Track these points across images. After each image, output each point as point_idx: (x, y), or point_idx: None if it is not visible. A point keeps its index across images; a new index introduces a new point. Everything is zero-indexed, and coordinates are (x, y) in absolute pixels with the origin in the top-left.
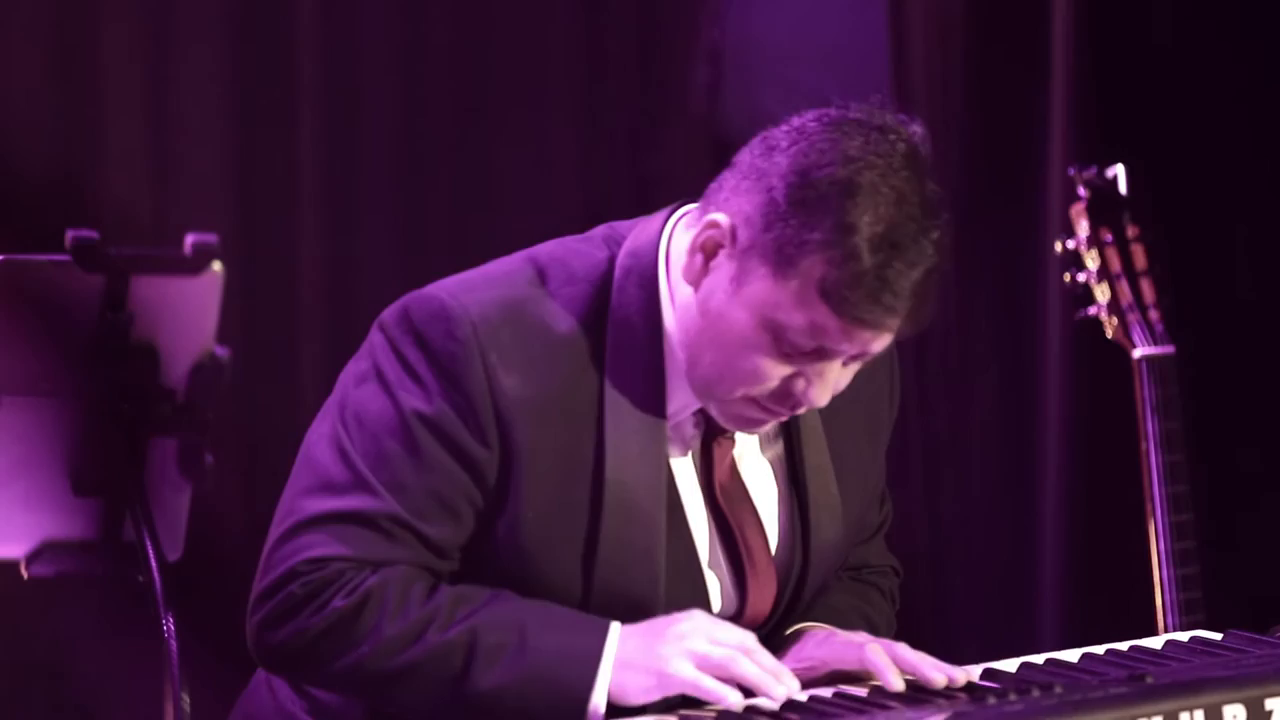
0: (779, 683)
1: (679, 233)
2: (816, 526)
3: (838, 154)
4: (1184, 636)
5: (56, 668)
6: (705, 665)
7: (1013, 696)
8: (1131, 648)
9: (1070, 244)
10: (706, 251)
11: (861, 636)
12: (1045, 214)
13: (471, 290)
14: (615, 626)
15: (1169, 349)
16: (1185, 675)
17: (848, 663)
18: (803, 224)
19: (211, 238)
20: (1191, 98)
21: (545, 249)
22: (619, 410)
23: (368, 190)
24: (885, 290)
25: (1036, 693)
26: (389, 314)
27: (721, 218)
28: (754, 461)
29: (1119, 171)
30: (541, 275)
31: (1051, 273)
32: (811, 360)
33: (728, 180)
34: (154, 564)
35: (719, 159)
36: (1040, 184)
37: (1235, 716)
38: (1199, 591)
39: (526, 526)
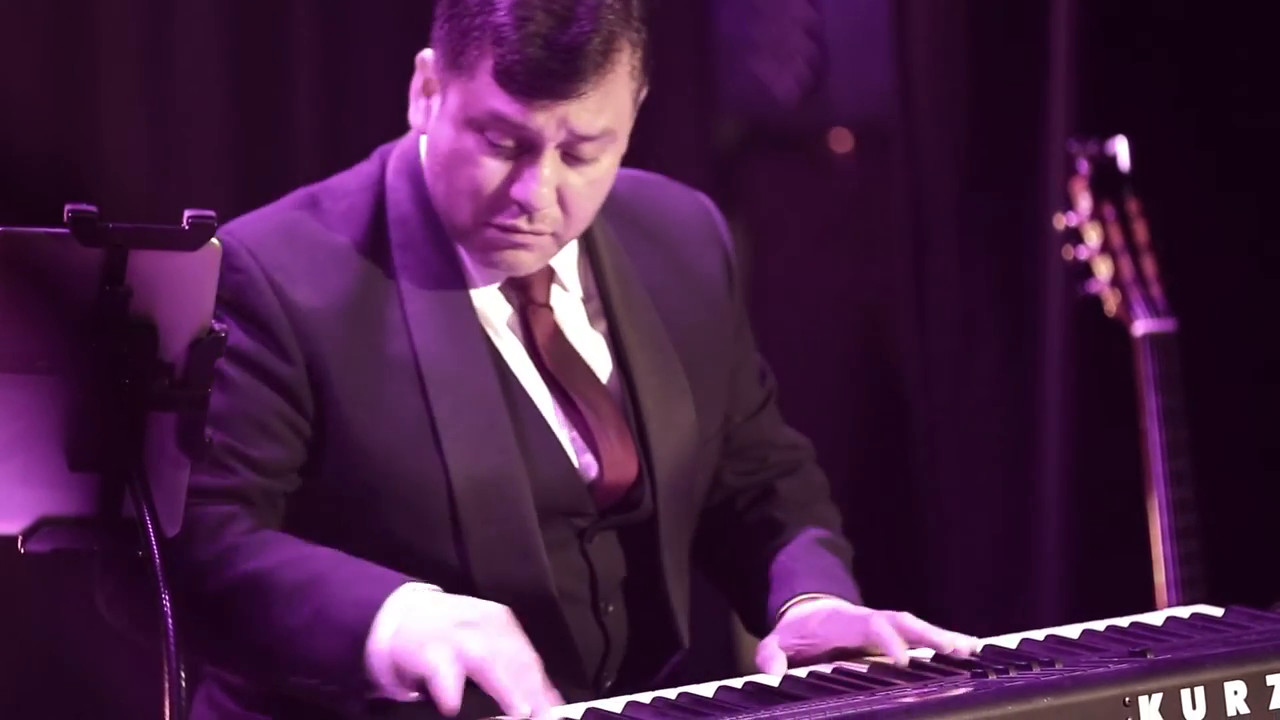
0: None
1: None
2: (644, 391)
3: None
4: (1185, 612)
5: (53, 643)
6: (460, 660)
7: (1013, 672)
8: (1132, 624)
9: (1071, 219)
10: (426, 92)
11: (865, 612)
12: (1045, 189)
13: (245, 224)
14: (409, 586)
15: (1170, 324)
16: (1186, 651)
17: (852, 639)
18: (461, 17)
19: (209, 213)
20: (1196, 69)
21: (322, 182)
22: (419, 301)
23: None
24: (545, 57)
25: (1037, 669)
26: None
27: (426, 53)
28: (584, 333)
29: (1120, 145)
30: (314, 198)
31: (1052, 248)
32: (521, 155)
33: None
34: (152, 539)
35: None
36: (1040, 158)
37: (1236, 693)
38: (1200, 567)
39: (364, 433)
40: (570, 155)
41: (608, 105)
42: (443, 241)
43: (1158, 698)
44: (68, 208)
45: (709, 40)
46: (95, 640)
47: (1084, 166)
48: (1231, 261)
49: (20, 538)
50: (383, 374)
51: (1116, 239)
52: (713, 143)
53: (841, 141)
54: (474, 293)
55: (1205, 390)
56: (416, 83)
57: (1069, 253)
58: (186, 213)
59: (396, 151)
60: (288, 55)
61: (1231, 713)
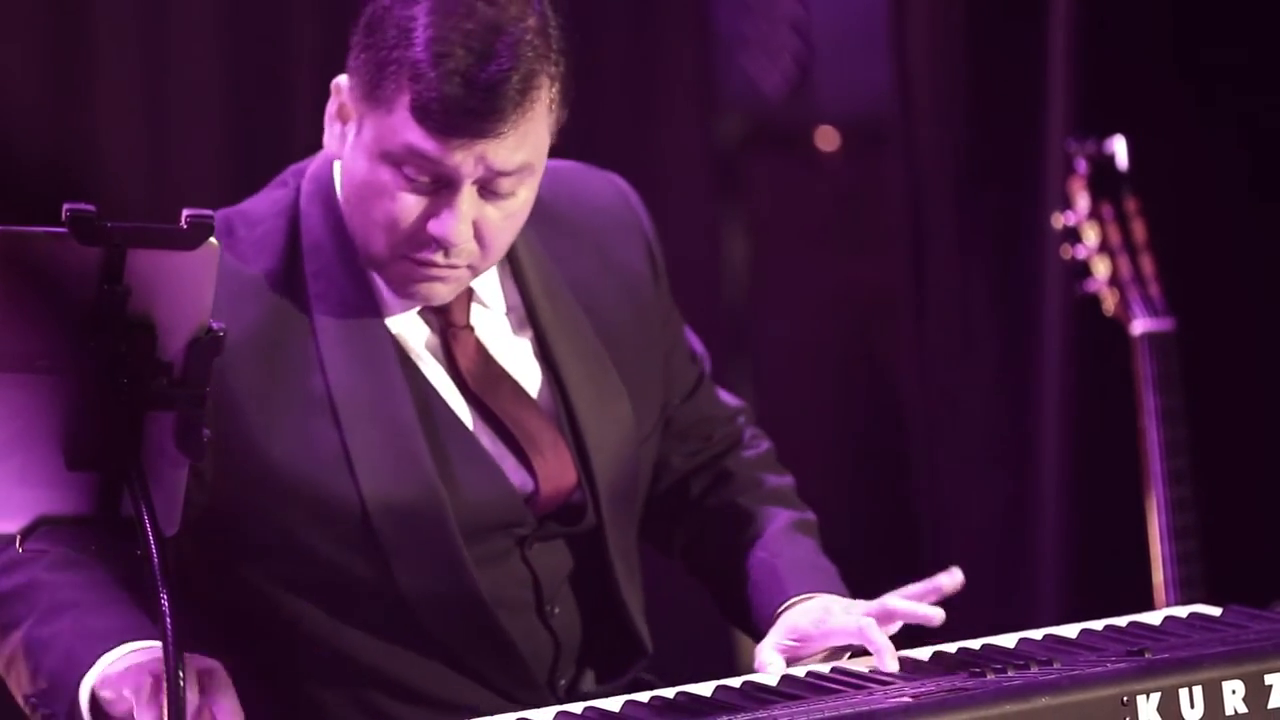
0: None
1: None
2: (577, 397)
3: None
4: (1183, 612)
5: None
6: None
7: (1011, 672)
8: (1130, 623)
9: (1069, 218)
10: (342, 118)
11: (856, 613)
12: (1044, 187)
13: None
14: (144, 642)
15: (1169, 324)
16: (1184, 651)
17: (846, 640)
18: (379, 48)
19: (207, 212)
20: (1194, 68)
21: (234, 206)
22: (333, 332)
23: None
24: (464, 95)
25: (1035, 668)
26: None
27: (342, 79)
28: (509, 347)
29: (1119, 144)
30: (229, 225)
31: (1050, 247)
32: (438, 191)
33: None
34: (151, 539)
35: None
36: (1038, 157)
37: (1234, 692)
38: (1198, 567)
39: (279, 466)
40: (487, 190)
41: (526, 142)
42: (357, 269)
43: (1156, 697)
44: (66, 207)
45: (709, 39)
46: None
47: (1082, 165)
48: (1230, 261)
49: (19, 537)
50: (296, 407)
51: (1115, 238)
52: (713, 141)
53: (838, 140)
54: (391, 320)
55: (1203, 389)
56: (331, 108)
57: (1067, 252)
58: (185, 212)
59: (309, 174)
60: (287, 55)
61: (1230, 712)
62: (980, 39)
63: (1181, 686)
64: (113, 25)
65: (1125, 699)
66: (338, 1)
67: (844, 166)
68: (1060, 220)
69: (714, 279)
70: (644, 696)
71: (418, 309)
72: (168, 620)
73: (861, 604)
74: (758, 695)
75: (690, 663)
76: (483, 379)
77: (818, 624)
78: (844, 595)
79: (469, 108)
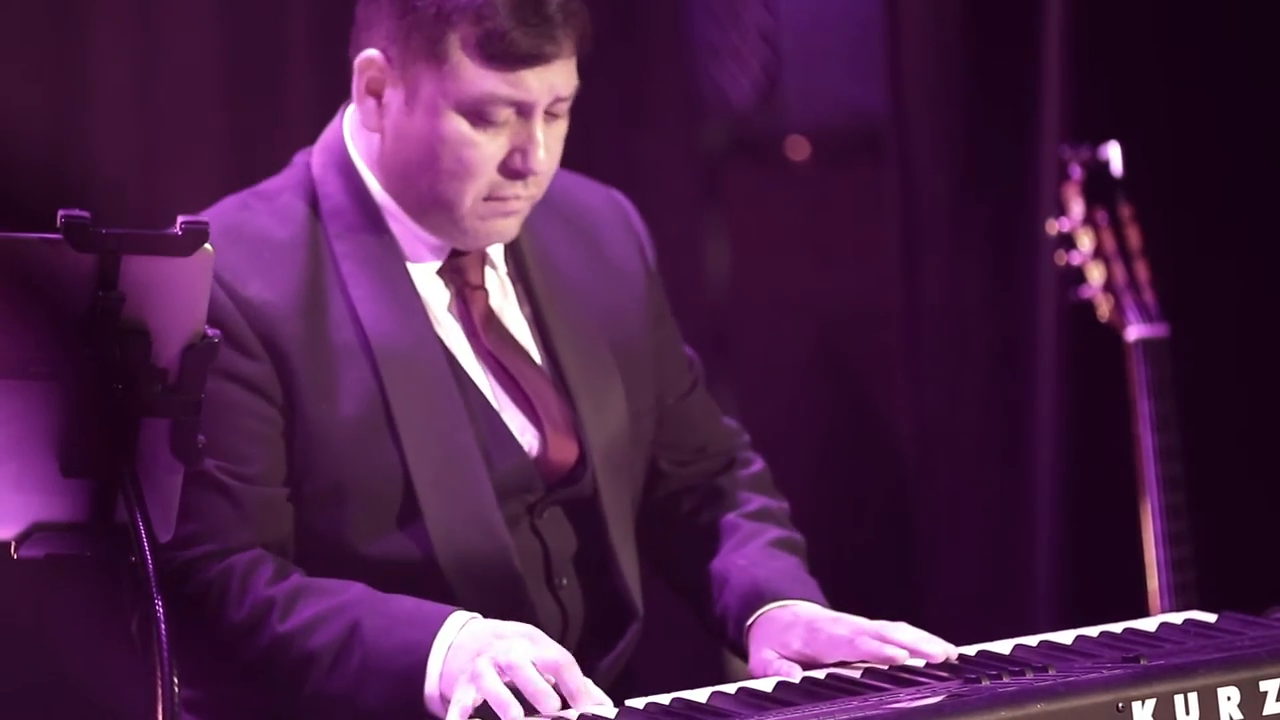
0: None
1: (353, 113)
2: (570, 370)
3: None
4: (1178, 618)
5: (48, 649)
6: (509, 675)
7: (1006, 678)
8: (1125, 629)
9: (1063, 224)
10: (374, 92)
11: (847, 624)
12: (1038, 194)
13: None
14: (452, 621)
15: (1163, 330)
16: (1179, 657)
17: (840, 655)
18: (422, 9)
19: (203, 219)
20: (1188, 74)
21: (248, 190)
22: (364, 286)
23: None
24: (527, 24)
25: (1030, 674)
26: None
27: (370, 53)
28: (513, 317)
29: (1113, 150)
30: (244, 202)
31: (1044, 254)
32: (513, 126)
33: (359, 24)
34: (145, 546)
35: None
36: (1033, 163)
37: (1229, 698)
38: (1193, 573)
39: (324, 423)
40: (548, 114)
41: (574, 63)
42: (380, 229)
43: (1151, 703)
44: (61, 213)
45: (691, 49)
46: (88, 643)
47: (1076, 172)
48: (1224, 267)
49: (13, 543)
50: (336, 361)
51: (1109, 244)
52: (696, 150)
53: (808, 150)
54: (414, 277)
55: (1198, 396)
56: (360, 84)
57: (1061, 258)
58: (180, 218)
59: (319, 148)
60: (283, 59)
61: (1224, 718)
62: (975, 45)
63: (1177, 693)
64: (107, 30)
65: (1120, 705)
66: (335, 5)
67: (815, 176)
68: (1054, 226)
69: (698, 287)
70: (640, 703)
71: (437, 269)
72: (161, 626)
73: (848, 618)
74: (753, 702)
75: (683, 672)
76: (495, 339)
77: (806, 641)
78: (824, 605)
79: (536, 35)
